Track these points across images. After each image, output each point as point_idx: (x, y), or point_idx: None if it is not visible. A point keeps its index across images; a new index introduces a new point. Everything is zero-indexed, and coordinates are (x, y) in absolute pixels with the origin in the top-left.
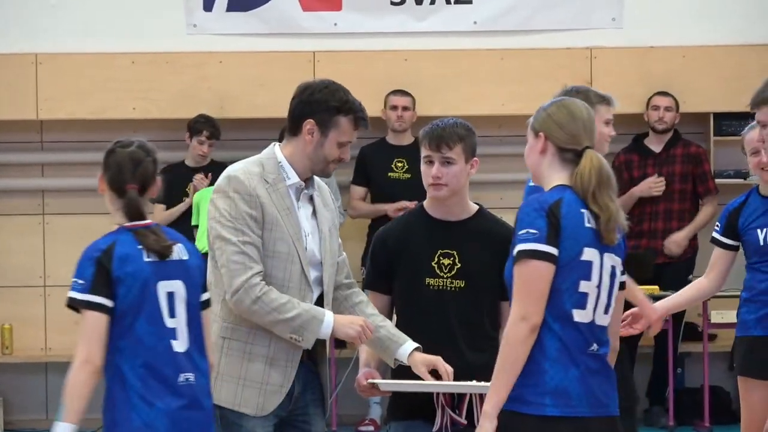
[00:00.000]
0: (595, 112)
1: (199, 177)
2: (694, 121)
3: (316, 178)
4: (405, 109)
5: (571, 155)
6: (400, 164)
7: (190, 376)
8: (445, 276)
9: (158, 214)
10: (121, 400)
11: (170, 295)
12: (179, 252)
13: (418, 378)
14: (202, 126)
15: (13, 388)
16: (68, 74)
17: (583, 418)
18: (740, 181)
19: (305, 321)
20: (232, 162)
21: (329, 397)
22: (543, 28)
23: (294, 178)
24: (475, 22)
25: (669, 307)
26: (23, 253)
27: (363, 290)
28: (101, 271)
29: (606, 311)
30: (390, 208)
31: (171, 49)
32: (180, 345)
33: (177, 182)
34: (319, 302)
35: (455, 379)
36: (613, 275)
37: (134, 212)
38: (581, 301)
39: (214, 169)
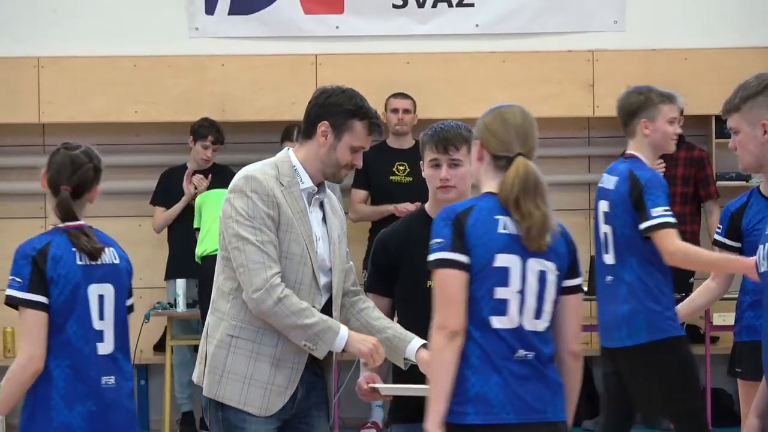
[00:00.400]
0: (657, 111)
1: (198, 177)
2: (695, 123)
3: (326, 184)
4: (406, 111)
5: (504, 162)
6: (401, 167)
7: (111, 379)
8: None
9: (158, 216)
10: (42, 399)
11: (101, 298)
12: (110, 255)
13: (421, 382)
14: (207, 131)
15: None
16: (70, 77)
17: (508, 424)
18: (742, 183)
19: (322, 330)
20: (233, 165)
21: (332, 399)
22: (545, 31)
23: (308, 182)
24: (477, 25)
25: (688, 313)
26: None
27: (365, 292)
28: (36, 270)
29: (538, 316)
30: (393, 208)
31: (173, 52)
32: (105, 348)
33: (178, 185)
34: (327, 307)
35: None
36: (543, 280)
37: (65, 213)
38: (500, 308)
39: (215, 172)
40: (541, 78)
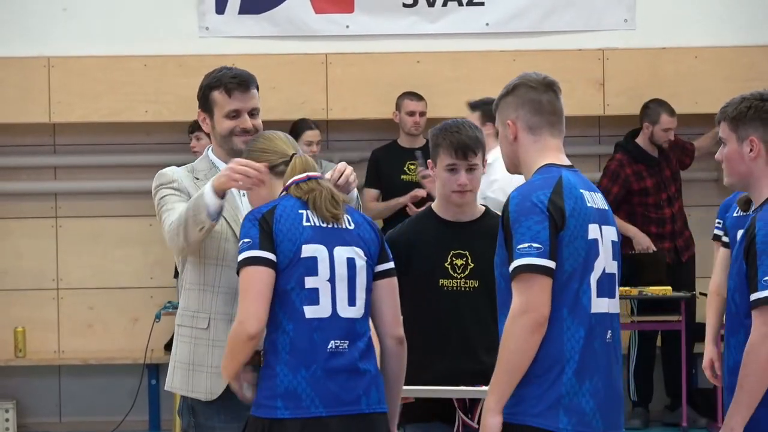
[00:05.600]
0: None
1: None
2: (705, 122)
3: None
4: (422, 114)
5: (283, 167)
6: (412, 166)
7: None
8: (458, 276)
9: None
10: None
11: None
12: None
13: (431, 384)
14: (193, 125)
15: (26, 391)
16: (80, 77)
17: (318, 418)
18: None
19: (191, 205)
20: None
21: None
22: (555, 30)
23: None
24: (487, 24)
25: (715, 340)
26: (36, 256)
27: None
28: None
29: (352, 303)
30: (405, 199)
31: (183, 52)
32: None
33: None
34: None
35: (468, 380)
36: (352, 267)
37: None
38: (312, 297)
39: None
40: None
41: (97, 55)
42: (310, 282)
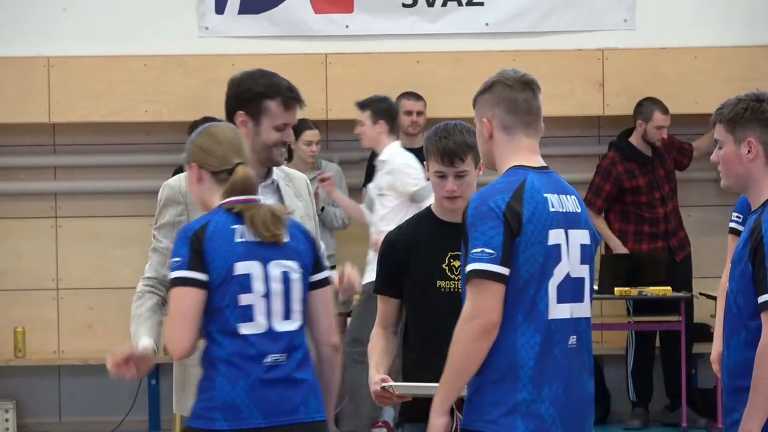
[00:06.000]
0: None
1: None
2: (704, 122)
3: (286, 169)
4: (419, 114)
5: (225, 175)
6: None
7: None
8: (456, 278)
9: None
10: None
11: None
12: None
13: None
14: (192, 126)
15: (26, 391)
16: (80, 77)
17: (257, 428)
18: None
19: (132, 334)
20: None
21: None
22: (555, 30)
23: None
24: (486, 24)
25: (722, 337)
26: (36, 256)
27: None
28: None
29: (288, 317)
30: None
31: (183, 51)
32: None
33: None
34: None
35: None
36: (287, 280)
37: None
38: (246, 314)
39: None
40: (551, 77)
41: (97, 54)
42: (244, 299)
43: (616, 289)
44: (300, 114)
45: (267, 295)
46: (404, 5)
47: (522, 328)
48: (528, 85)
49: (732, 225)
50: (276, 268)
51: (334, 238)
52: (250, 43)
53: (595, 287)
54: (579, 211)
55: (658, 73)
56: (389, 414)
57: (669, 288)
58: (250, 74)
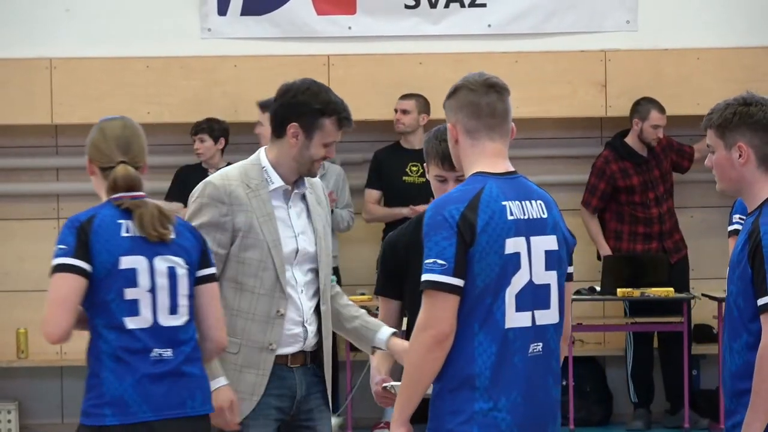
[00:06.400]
0: None
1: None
2: None
3: (304, 178)
4: (404, 112)
5: (109, 173)
6: (414, 168)
7: None
8: None
9: (180, 213)
10: None
11: None
12: None
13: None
14: (197, 126)
15: (28, 393)
16: (83, 78)
17: (147, 422)
18: None
19: None
20: None
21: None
22: (557, 31)
23: (278, 182)
24: (489, 26)
25: None
26: (38, 258)
27: (374, 295)
28: None
29: (174, 312)
30: (407, 211)
31: (185, 53)
32: None
33: (192, 182)
34: (317, 299)
35: None
36: (173, 276)
37: None
38: (132, 309)
39: None
40: (553, 78)
41: (100, 56)
42: (130, 293)
43: (618, 290)
44: None
45: (152, 290)
46: (407, 6)
47: (478, 338)
48: (492, 88)
49: (733, 227)
50: (162, 263)
51: (336, 239)
52: (252, 44)
53: (597, 288)
54: (545, 216)
55: (660, 75)
56: (391, 415)
57: (671, 289)
58: (307, 87)
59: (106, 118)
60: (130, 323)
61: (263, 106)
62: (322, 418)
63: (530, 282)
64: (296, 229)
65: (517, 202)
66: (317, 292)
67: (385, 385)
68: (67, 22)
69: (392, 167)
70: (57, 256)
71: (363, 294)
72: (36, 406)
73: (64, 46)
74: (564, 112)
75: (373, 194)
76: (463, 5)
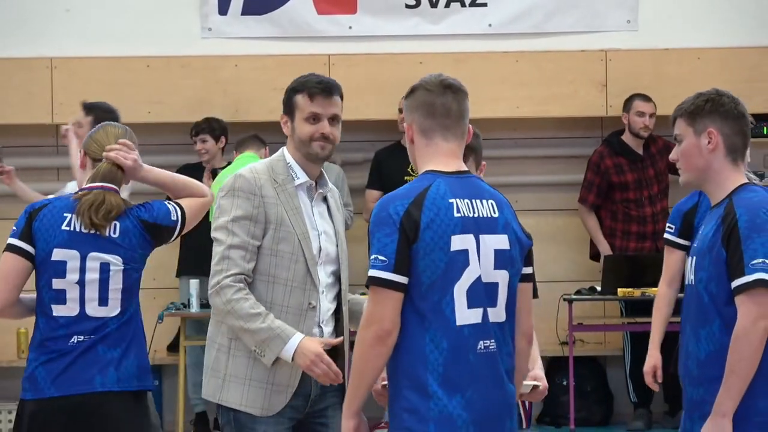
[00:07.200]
0: None
1: (206, 176)
2: None
3: (326, 176)
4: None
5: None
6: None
7: None
8: None
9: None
10: None
11: None
12: None
13: None
14: (197, 126)
15: None
16: (83, 78)
17: (52, 398)
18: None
19: (269, 338)
20: None
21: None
22: (558, 31)
23: (303, 177)
24: (489, 25)
25: (658, 348)
26: None
27: None
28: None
29: (104, 303)
30: None
31: (186, 52)
32: None
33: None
34: (338, 299)
35: None
36: (105, 271)
37: None
38: (59, 297)
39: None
40: (554, 78)
41: (100, 56)
42: (57, 283)
43: (618, 290)
44: None
45: (81, 282)
46: (407, 6)
47: (429, 335)
48: (449, 89)
49: (667, 236)
50: (94, 260)
51: None
52: (253, 44)
53: (598, 288)
54: (496, 215)
55: (661, 74)
56: None
57: None
58: (295, 79)
59: (111, 123)
60: (56, 311)
61: (87, 108)
62: (335, 416)
63: (479, 279)
64: (319, 228)
65: (466, 200)
66: (338, 296)
67: (384, 383)
68: (67, 22)
69: (393, 167)
70: (10, 236)
71: (363, 294)
72: None
73: (65, 46)
74: (564, 111)
75: (374, 194)
76: (463, 5)
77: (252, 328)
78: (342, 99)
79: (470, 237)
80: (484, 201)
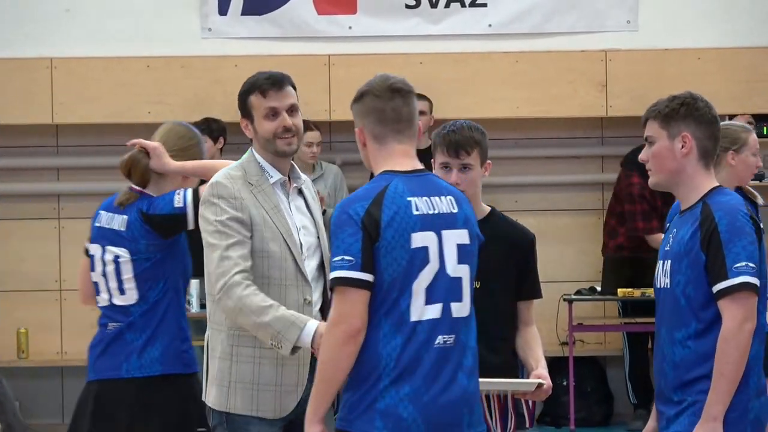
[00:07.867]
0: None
1: None
2: None
3: (297, 169)
4: (422, 113)
5: None
6: None
7: None
8: None
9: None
10: None
11: None
12: None
13: None
14: (197, 127)
15: (29, 393)
16: (83, 78)
17: (89, 381)
18: (755, 183)
19: (284, 327)
20: None
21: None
22: (558, 31)
23: (276, 175)
24: (489, 25)
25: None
26: (39, 258)
27: None
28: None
29: (123, 293)
30: None
31: (186, 53)
32: None
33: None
34: (324, 295)
35: None
36: (117, 263)
37: None
38: (97, 289)
39: None
40: (554, 78)
41: (100, 56)
42: (93, 276)
43: (618, 290)
44: (303, 115)
45: (104, 274)
46: (407, 6)
47: (384, 330)
48: (398, 92)
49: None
50: (109, 253)
51: None
52: (252, 44)
53: (598, 288)
54: (455, 211)
55: (661, 75)
56: None
57: None
58: (244, 82)
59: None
60: (99, 302)
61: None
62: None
63: (444, 274)
64: (298, 224)
65: (424, 198)
66: (323, 292)
67: None
68: (67, 22)
69: None
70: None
71: None
72: (36, 406)
73: (65, 46)
74: (565, 112)
75: None
76: (463, 5)
77: (266, 320)
78: (295, 89)
79: (431, 234)
80: (443, 197)
